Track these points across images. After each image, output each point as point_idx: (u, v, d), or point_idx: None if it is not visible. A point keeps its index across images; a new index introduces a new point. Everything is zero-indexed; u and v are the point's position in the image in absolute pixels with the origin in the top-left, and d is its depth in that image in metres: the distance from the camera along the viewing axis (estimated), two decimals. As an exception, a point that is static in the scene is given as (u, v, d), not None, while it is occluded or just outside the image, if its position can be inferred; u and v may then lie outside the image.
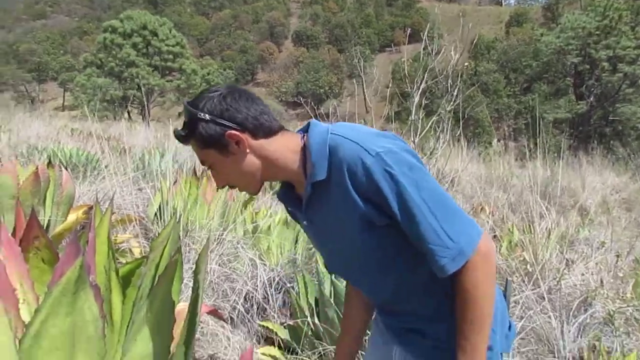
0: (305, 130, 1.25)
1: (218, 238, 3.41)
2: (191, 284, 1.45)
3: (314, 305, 2.85)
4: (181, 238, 3.30)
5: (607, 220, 7.07)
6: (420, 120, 5.28)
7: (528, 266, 3.64)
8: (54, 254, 1.45)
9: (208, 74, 46.75)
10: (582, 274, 3.67)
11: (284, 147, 1.23)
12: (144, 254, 3.10)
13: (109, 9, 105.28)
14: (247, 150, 1.20)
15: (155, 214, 3.82)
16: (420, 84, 5.11)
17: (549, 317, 2.90)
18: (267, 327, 2.96)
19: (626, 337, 2.91)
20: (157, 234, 3.61)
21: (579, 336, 2.89)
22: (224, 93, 1.20)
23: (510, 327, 1.32)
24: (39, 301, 1.31)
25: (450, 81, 4.49)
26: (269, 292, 3.16)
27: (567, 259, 3.93)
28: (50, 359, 1.00)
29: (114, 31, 42.24)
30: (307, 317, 2.71)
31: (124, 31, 42.28)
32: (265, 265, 3.36)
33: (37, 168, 2.89)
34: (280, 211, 4.40)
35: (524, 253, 3.89)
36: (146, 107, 34.86)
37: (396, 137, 1.17)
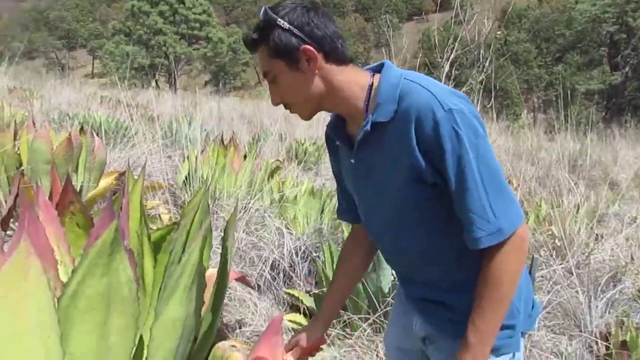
0: (375, 69, 1.22)
1: (245, 206, 3.44)
2: (220, 251, 1.48)
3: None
4: (209, 206, 3.34)
5: (639, 195, 6.92)
6: (449, 91, 5.16)
7: (556, 240, 3.59)
8: (88, 218, 1.49)
9: (234, 42, 46.57)
10: (612, 249, 3.62)
11: (352, 79, 1.19)
12: (173, 221, 3.16)
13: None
14: (316, 71, 1.16)
15: (184, 181, 3.87)
16: (451, 54, 5.00)
17: (577, 292, 2.87)
18: (293, 295, 3.00)
19: (655, 313, 2.88)
20: (186, 201, 3.67)
21: (607, 312, 2.86)
22: (308, 6, 1.16)
23: (533, 306, 1.30)
24: (74, 263, 1.35)
25: (482, 50, 4.38)
26: (295, 261, 3.20)
27: (596, 234, 3.87)
28: (87, 318, 1.04)
29: (142, -2, 42.28)
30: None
31: (152, -1, 42.29)
32: (291, 234, 3.39)
33: (70, 134, 2.95)
34: (306, 181, 4.42)
35: (552, 227, 3.84)
36: (173, 76, 35.01)
37: (469, 100, 1.14)
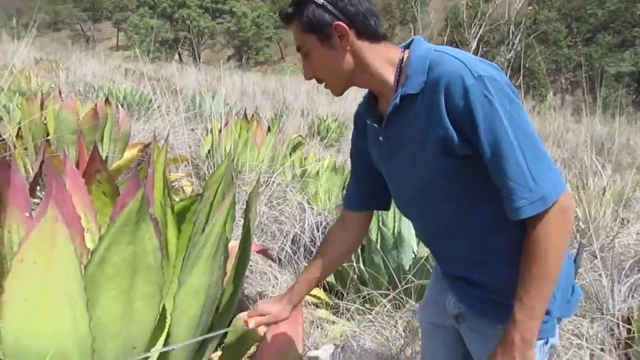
0: (406, 46, 1.21)
1: (267, 180, 3.46)
2: (242, 223, 1.48)
3: (359, 251, 2.88)
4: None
5: (667, 181, 6.76)
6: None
7: (581, 223, 3.54)
8: (114, 187, 1.50)
9: (258, 16, 46.31)
10: (637, 234, 3.55)
11: (383, 56, 1.19)
12: (195, 193, 3.19)
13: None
14: (348, 48, 1.17)
15: (206, 154, 3.89)
16: (479, 31, 4.90)
17: (600, 275, 2.84)
18: (313, 270, 3.01)
19: (680, 299, 2.83)
20: (208, 174, 3.70)
21: (630, 296, 2.82)
22: None
23: (573, 292, 1.26)
24: (100, 231, 1.37)
25: (511, 27, 4.28)
26: (315, 236, 3.21)
27: (622, 218, 3.80)
28: (113, 284, 1.05)
29: (166, -29, 42.17)
30: (352, 262, 2.74)
31: (176, -29, 42.15)
32: (312, 209, 3.40)
33: (95, 105, 2.98)
34: (328, 157, 4.40)
35: (577, 209, 3.78)
36: (196, 49, 35.04)
37: (500, 69, 1.11)
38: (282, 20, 1.24)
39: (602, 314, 2.71)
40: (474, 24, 5.12)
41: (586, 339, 2.45)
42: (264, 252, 2.26)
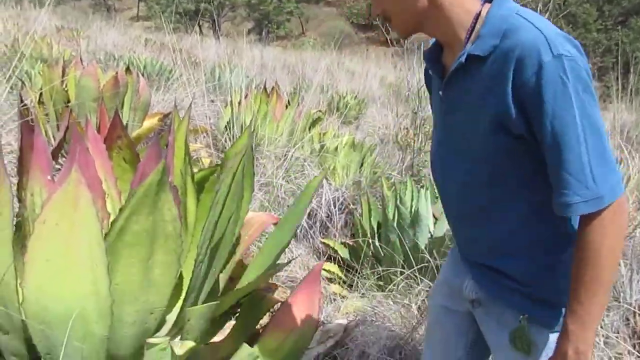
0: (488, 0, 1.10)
1: (285, 154, 3.45)
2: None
3: (375, 228, 2.87)
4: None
5: (692, 171, 6.62)
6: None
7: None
8: (135, 154, 1.51)
9: (280, -10, 45.83)
10: (660, 224, 3.49)
11: (459, 2, 1.08)
12: (214, 164, 3.20)
13: None
14: None
15: (225, 126, 3.89)
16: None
17: (618, 264, 2.80)
18: (328, 245, 3.03)
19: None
20: (227, 145, 3.69)
21: (648, 286, 2.79)
22: None
23: None
24: (120, 196, 1.38)
25: (539, 6, 4.17)
26: (332, 211, 3.21)
27: (644, 207, 3.73)
28: (132, 252, 1.06)
29: (188, -60, 41.76)
30: (368, 238, 2.74)
31: (198, -60, 41.72)
32: (330, 184, 3.39)
33: (116, 73, 2.98)
34: (347, 133, 4.38)
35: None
36: (217, 22, 34.86)
37: (582, 51, 1.02)
38: None
39: (619, 302, 2.68)
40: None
41: (601, 326, 2.43)
42: (281, 225, 2.26)
